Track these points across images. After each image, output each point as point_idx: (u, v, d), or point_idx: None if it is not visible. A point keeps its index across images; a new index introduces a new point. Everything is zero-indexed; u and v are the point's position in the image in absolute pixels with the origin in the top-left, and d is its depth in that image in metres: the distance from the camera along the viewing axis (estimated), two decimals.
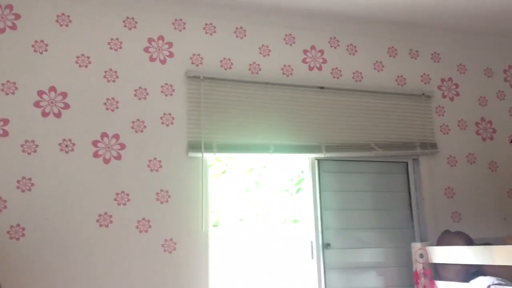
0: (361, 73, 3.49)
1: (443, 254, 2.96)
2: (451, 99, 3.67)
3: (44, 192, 2.69)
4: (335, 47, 3.48)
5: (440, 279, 2.98)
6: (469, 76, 3.76)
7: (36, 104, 2.78)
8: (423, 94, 3.56)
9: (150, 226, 2.84)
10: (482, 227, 3.36)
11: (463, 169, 3.57)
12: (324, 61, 3.43)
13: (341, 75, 3.44)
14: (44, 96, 2.80)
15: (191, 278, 2.86)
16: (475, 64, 3.79)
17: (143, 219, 2.84)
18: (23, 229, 2.62)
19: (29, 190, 2.67)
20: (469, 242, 2.98)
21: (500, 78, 3.83)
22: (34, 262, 2.61)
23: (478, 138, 3.67)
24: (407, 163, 3.51)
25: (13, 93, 2.75)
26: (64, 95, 2.83)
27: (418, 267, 3.05)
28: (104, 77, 2.93)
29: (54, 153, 2.75)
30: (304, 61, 3.38)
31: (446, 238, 3.08)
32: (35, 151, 2.72)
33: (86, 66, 2.91)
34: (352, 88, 3.40)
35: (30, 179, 2.68)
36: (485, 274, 2.77)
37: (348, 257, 3.25)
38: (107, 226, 2.77)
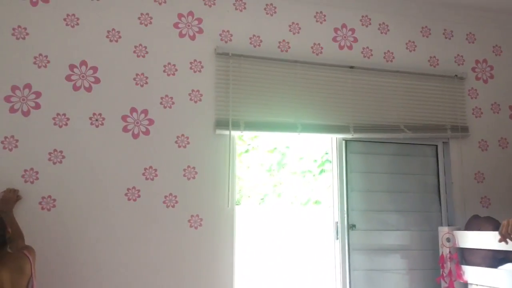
0: (392, 53, 3.41)
1: (470, 239, 2.91)
2: (485, 81, 3.57)
3: (74, 165, 2.74)
4: (366, 26, 3.40)
5: (467, 264, 2.95)
6: (504, 58, 3.64)
7: (68, 78, 2.80)
8: (456, 75, 3.46)
9: (177, 202, 2.87)
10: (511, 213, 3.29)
11: (494, 154, 3.49)
12: (355, 40, 3.36)
13: (371, 55, 3.37)
14: (75, 70, 2.82)
15: (217, 253, 2.89)
16: (511, 45, 3.67)
17: (170, 194, 2.87)
18: (54, 200, 2.68)
19: (60, 162, 2.72)
20: (498, 227, 2.92)
21: None
22: (64, 233, 2.67)
23: (511, 122, 3.57)
24: (437, 146, 3.45)
25: (45, 66, 2.77)
26: (95, 69, 2.85)
27: (445, 251, 3.01)
28: (134, 52, 2.94)
29: (84, 127, 2.79)
30: (334, 39, 3.32)
31: (475, 223, 3.04)
32: (66, 124, 2.76)
33: (116, 41, 2.92)
34: (382, 68, 3.33)
35: (61, 151, 2.73)
36: None
37: (373, 239, 3.24)
38: (135, 200, 2.81)
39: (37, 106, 2.73)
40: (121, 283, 2.71)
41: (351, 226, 3.19)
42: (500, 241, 2.54)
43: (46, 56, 2.78)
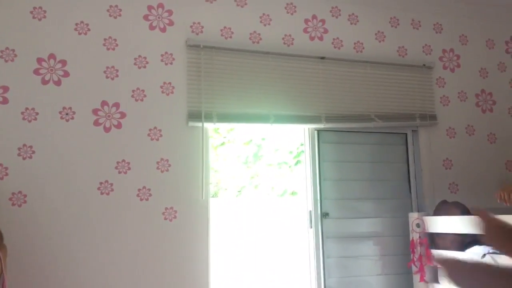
0: (362, 43, 3.46)
1: (439, 224, 3.00)
2: (452, 70, 3.66)
3: (45, 159, 2.71)
4: (336, 17, 3.44)
5: (436, 248, 3.03)
6: (470, 47, 3.74)
7: (36, 72, 2.76)
8: (424, 65, 3.54)
9: (150, 195, 2.87)
10: (479, 198, 3.40)
11: (462, 141, 3.59)
12: (325, 31, 3.40)
13: (342, 45, 3.42)
14: (44, 63, 2.78)
15: (192, 245, 2.90)
16: (477, 35, 3.77)
17: (144, 187, 2.86)
18: (25, 196, 2.65)
19: (30, 157, 2.69)
20: (466, 212, 3.02)
21: (502, 50, 3.81)
22: (36, 229, 2.64)
23: (477, 110, 3.67)
24: (406, 134, 3.53)
25: (12, 60, 2.73)
26: (64, 62, 2.82)
27: (415, 236, 3.09)
28: (104, 45, 2.91)
29: (54, 121, 2.76)
30: (305, 30, 3.36)
31: (443, 208, 3.12)
32: (35, 118, 2.72)
33: (85, 34, 2.89)
34: (353, 59, 3.38)
35: (31, 146, 2.69)
36: (480, 244, 2.81)
37: (346, 226, 3.30)
38: (108, 194, 2.79)
39: (5, 101, 2.69)
40: (96, 277, 2.70)
41: (324, 215, 3.24)
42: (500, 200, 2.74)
43: (13, 50, 2.74)
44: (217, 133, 6.65)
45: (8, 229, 2.50)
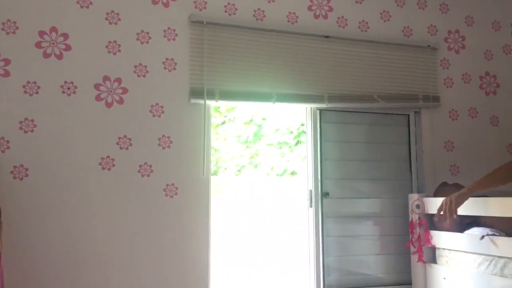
0: (367, 22, 3.42)
1: (439, 205, 3.00)
2: (457, 51, 3.62)
3: (46, 133, 2.70)
4: None
5: (435, 229, 3.05)
6: (476, 29, 3.70)
7: (37, 45, 2.74)
8: (428, 46, 3.51)
9: (152, 171, 2.87)
10: None
11: (464, 123, 3.58)
12: (330, 10, 3.36)
13: (346, 24, 3.38)
14: (45, 36, 2.75)
15: (192, 222, 2.92)
16: (483, 16, 3.72)
17: (145, 163, 2.86)
18: (26, 169, 2.65)
19: (32, 131, 2.68)
20: None
21: (507, 32, 3.77)
22: (36, 203, 2.65)
23: (481, 92, 3.65)
24: (408, 115, 3.52)
25: (13, 33, 2.70)
26: (66, 36, 2.79)
27: (414, 217, 3.11)
28: (106, 19, 2.88)
29: (56, 95, 2.74)
30: (309, 8, 3.31)
31: (443, 190, 3.13)
32: (37, 92, 2.71)
33: (87, 7, 2.85)
34: (357, 38, 3.35)
35: (32, 120, 2.68)
36: (479, 225, 2.83)
37: (346, 206, 3.31)
38: (109, 169, 2.80)
39: (6, 74, 2.67)
40: (96, 252, 2.72)
41: (325, 194, 3.25)
42: (436, 218, 2.72)
43: (15, 22, 2.71)
44: (217, 112, 6.63)
45: (10, 202, 2.51)
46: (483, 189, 2.60)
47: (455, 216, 2.55)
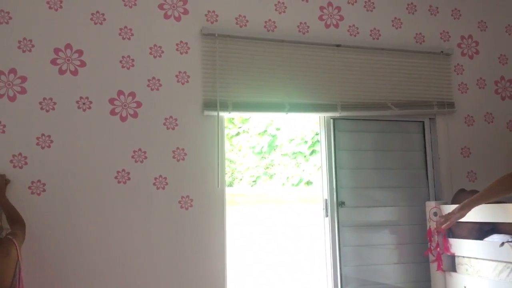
0: (378, 30, 3.42)
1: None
2: (471, 57, 3.59)
3: (63, 149, 2.74)
4: (352, 4, 3.40)
5: (454, 236, 3.00)
6: (489, 34, 3.66)
7: (53, 62, 2.79)
8: (442, 52, 3.48)
9: (167, 183, 2.89)
10: None
11: (480, 129, 3.53)
12: (341, 18, 3.36)
13: (358, 33, 3.38)
14: (61, 53, 2.80)
15: (208, 234, 2.92)
16: (496, 20, 3.69)
17: (160, 176, 2.88)
18: (44, 184, 2.69)
19: (49, 147, 2.72)
20: None
21: None
22: (54, 217, 2.68)
23: (497, 97, 3.61)
24: (423, 122, 3.48)
25: (29, 51, 2.76)
26: (80, 52, 2.84)
27: (432, 225, 3.06)
28: (119, 34, 2.92)
29: (71, 111, 2.78)
30: (320, 18, 3.32)
31: (461, 196, 3.08)
32: (53, 108, 2.75)
33: (101, 23, 2.90)
34: (369, 46, 3.34)
35: (49, 136, 2.73)
36: (499, 232, 2.78)
37: (362, 215, 3.28)
38: (125, 182, 2.82)
39: (23, 91, 2.72)
40: (112, 265, 2.74)
41: (340, 203, 3.23)
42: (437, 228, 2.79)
43: (31, 40, 2.76)
44: (231, 123, 6.66)
45: (28, 217, 2.54)
46: (476, 205, 2.58)
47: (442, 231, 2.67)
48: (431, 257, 3.05)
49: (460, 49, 3.58)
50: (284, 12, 3.24)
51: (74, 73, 2.81)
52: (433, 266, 3.03)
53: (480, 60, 3.61)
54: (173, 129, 2.94)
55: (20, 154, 2.67)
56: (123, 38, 2.92)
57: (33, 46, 2.76)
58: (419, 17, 3.52)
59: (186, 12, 3.05)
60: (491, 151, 3.52)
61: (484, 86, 3.58)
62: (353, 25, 3.38)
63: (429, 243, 3.07)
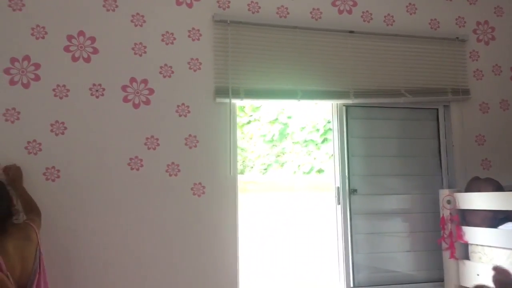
0: (392, 16, 3.37)
1: (471, 200, 2.94)
2: (486, 43, 3.53)
3: (77, 135, 2.76)
4: None
5: (467, 225, 2.98)
6: (506, 19, 3.59)
7: (66, 49, 2.80)
8: (457, 38, 3.43)
9: (179, 170, 2.90)
10: None
11: (495, 116, 3.48)
12: (354, 4, 3.32)
13: (371, 19, 3.33)
14: (73, 40, 2.81)
15: (220, 220, 2.93)
16: None
17: (173, 163, 2.89)
18: (58, 171, 2.71)
19: (62, 133, 2.74)
20: (499, 188, 2.96)
21: None
22: (68, 203, 2.71)
23: None
24: (437, 109, 3.45)
25: (43, 38, 2.76)
26: (93, 39, 2.84)
27: (445, 213, 3.05)
28: (132, 21, 2.92)
29: (85, 98, 2.79)
30: (333, 4, 3.28)
31: (475, 185, 3.06)
32: (66, 95, 2.77)
33: (113, 10, 2.89)
34: (383, 32, 3.30)
35: (63, 123, 2.74)
36: None
37: (375, 203, 3.27)
38: (138, 169, 2.83)
39: (37, 78, 2.74)
40: (125, 252, 2.76)
41: (353, 191, 3.22)
42: None
43: (44, 27, 2.77)
44: (243, 111, 6.64)
45: (43, 202, 2.57)
46: None
47: None
48: (444, 245, 3.04)
49: (475, 35, 3.52)
50: None
51: (87, 60, 2.82)
52: (446, 254, 3.02)
53: (496, 46, 3.55)
54: (185, 116, 2.94)
55: (34, 140, 2.69)
56: (135, 25, 2.92)
57: (46, 33, 2.77)
58: (434, 3, 3.46)
59: None
60: (507, 139, 3.48)
61: (500, 72, 3.53)
62: (367, 11, 3.33)
63: (442, 231, 3.05)
